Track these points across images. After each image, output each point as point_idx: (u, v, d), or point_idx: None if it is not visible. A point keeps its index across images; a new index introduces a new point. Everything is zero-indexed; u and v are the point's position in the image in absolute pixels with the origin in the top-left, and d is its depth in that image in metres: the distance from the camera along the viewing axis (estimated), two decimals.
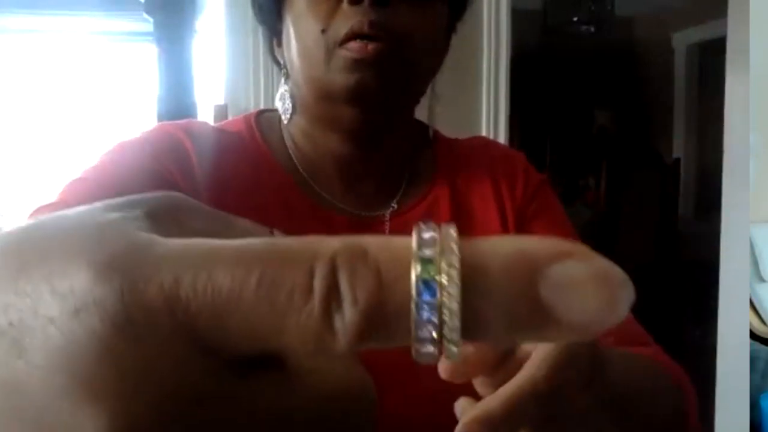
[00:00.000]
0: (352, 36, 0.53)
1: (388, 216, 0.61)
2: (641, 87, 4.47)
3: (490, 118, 1.83)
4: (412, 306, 0.13)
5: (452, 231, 0.14)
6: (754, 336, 1.79)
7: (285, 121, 0.63)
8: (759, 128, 1.79)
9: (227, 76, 1.67)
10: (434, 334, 0.13)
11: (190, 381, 0.13)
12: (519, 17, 1.94)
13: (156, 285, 0.13)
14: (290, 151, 0.62)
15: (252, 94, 1.64)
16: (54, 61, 4.27)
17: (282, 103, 0.62)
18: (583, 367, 0.35)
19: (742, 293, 1.78)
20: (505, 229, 0.63)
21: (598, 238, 3.69)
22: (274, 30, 0.62)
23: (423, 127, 0.68)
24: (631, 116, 4.46)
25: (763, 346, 1.79)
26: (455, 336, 0.13)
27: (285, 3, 0.58)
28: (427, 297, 0.13)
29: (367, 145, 0.60)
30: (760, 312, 1.85)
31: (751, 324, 1.79)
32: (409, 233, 0.23)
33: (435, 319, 0.13)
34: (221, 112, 1.68)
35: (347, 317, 0.13)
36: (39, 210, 0.48)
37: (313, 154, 0.62)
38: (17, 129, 4.25)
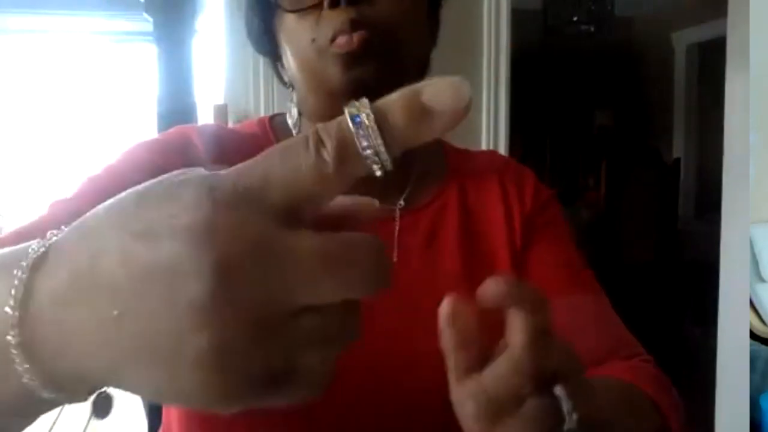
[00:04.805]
0: (337, 37, 0.56)
1: (398, 213, 0.63)
2: (641, 87, 4.48)
3: (490, 119, 1.83)
4: (353, 130, 0.23)
5: (365, 100, 0.23)
6: (754, 336, 1.79)
7: (294, 133, 0.66)
8: (759, 128, 1.79)
9: (227, 76, 1.67)
10: (370, 147, 0.23)
11: (261, 231, 0.22)
12: (519, 17, 1.94)
13: (249, 177, 0.23)
14: None
15: (252, 94, 1.64)
16: (54, 61, 4.27)
17: (291, 119, 0.66)
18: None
19: (742, 293, 1.78)
20: (510, 235, 0.65)
21: (598, 238, 3.69)
22: (275, 55, 0.65)
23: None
24: (631, 116, 4.47)
25: (763, 346, 1.79)
26: (376, 138, 0.23)
27: (277, 27, 0.62)
28: (357, 121, 0.23)
29: None
30: (760, 312, 1.85)
31: (751, 324, 1.79)
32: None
33: (365, 137, 0.23)
34: (221, 112, 1.68)
35: (329, 146, 0.22)
36: (56, 203, 0.53)
37: None
38: (17, 129, 4.25)
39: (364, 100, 0.23)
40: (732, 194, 1.78)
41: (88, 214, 0.25)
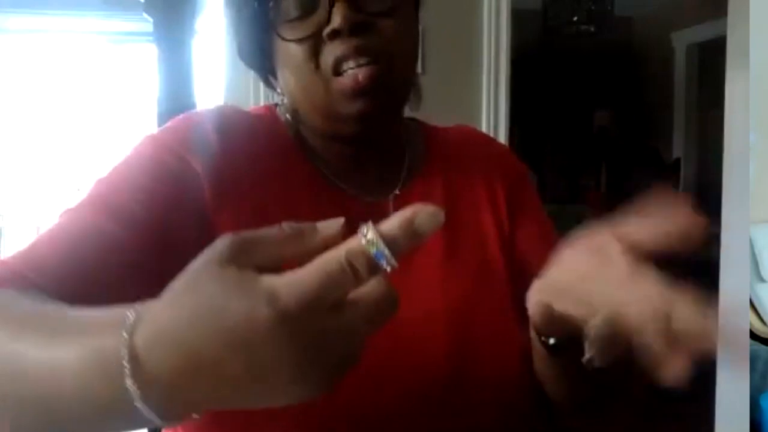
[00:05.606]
0: (341, 64, 0.58)
1: (391, 200, 0.67)
2: (641, 87, 4.47)
3: (490, 118, 1.83)
4: (373, 254, 0.34)
5: (370, 224, 0.34)
6: (754, 336, 1.79)
7: (292, 122, 0.68)
8: (759, 128, 1.79)
9: (227, 76, 1.68)
10: (384, 259, 0.34)
11: (321, 323, 0.33)
12: (519, 17, 1.94)
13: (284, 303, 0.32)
14: (303, 145, 0.68)
15: (252, 94, 1.64)
16: (54, 61, 4.27)
17: (286, 119, 0.68)
18: None
19: (742, 293, 1.78)
20: (494, 208, 0.69)
21: None
22: (266, 69, 0.67)
23: (412, 121, 0.75)
24: (631, 116, 4.46)
25: (763, 346, 1.79)
26: (388, 254, 0.34)
27: (273, 48, 0.63)
28: (375, 251, 0.34)
29: (368, 148, 0.67)
30: (760, 312, 1.85)
31: (751, 324, 1.79)
32: None
33: (379, 254, 0.34)
34: None
35: (362, 271, 0.33)
36: (66, 213, 0.55)
37: (322, 152, 0.67)
38: (17, 129, 4.25)
39: (370, 225, 0.34)
40: (732, 194, 1.78)
41: (163, 316, 0.34)
